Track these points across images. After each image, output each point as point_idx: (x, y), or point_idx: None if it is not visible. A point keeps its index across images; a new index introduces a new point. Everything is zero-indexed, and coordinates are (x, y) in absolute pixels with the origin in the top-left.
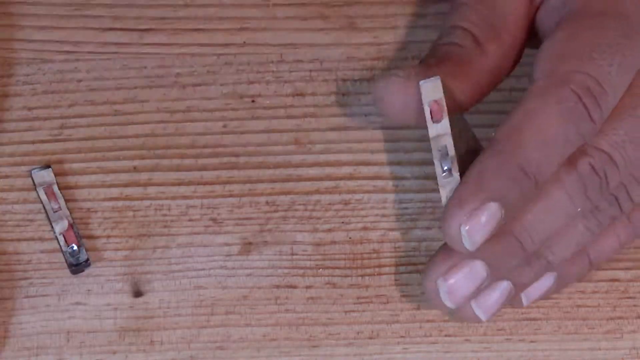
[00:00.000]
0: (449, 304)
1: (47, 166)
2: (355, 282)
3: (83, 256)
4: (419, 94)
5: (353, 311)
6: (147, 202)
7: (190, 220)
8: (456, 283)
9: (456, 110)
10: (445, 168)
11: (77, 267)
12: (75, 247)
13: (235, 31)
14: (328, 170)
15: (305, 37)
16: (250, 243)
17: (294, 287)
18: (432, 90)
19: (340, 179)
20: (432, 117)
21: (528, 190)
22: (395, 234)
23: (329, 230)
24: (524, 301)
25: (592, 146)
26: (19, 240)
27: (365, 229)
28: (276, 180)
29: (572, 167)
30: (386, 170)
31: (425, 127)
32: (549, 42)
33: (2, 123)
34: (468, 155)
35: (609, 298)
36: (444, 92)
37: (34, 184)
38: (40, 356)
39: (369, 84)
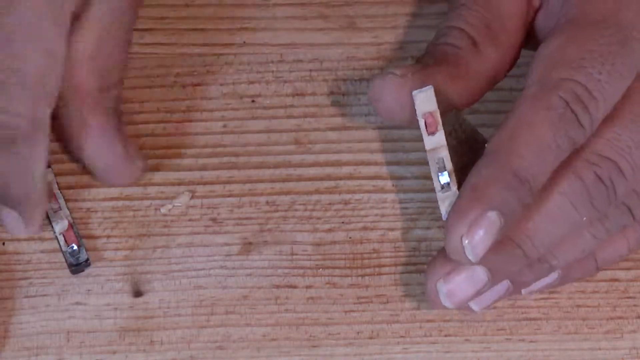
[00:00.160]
0: (448, 305)
1: (48, 166)
2: (355, 282)
3: (83, 256)
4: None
5: (353, 311)
6: (147, 202)
7: (190, 220)
8: (456, 286)
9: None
10: (443, 183)
11: (77, 267)
12: (75, 247)
13: (235, 31)
14: (328, 170)
15: (305, 37)
16: (250, 243)
17: (294, 287)
18: (425, 101)
19: (340, 179)
20: (426, 129)
21: (524, 197)
22: (395, 234)
23: (329, 230)
24: (523, 291)
25: (597, 154)
26: (19, 240)
27: (365, 229)
28: (276, 180)
29: (576, 176)
30: (386, 170)
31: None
32: (542, 48)
33: None
34: (469, 152)
35: (609, 298)
36: (438, 102)
37: None
38: (40, 356)
39: (369, 84)
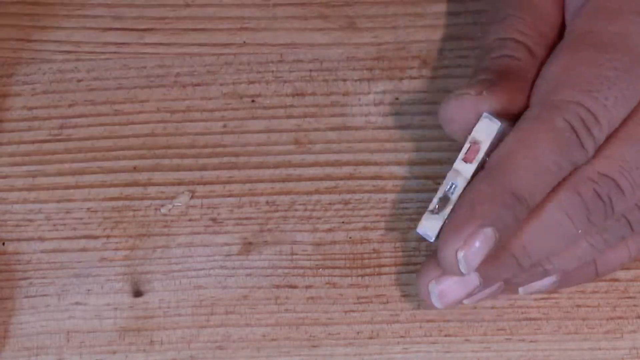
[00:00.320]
0: (439, 306)
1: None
2: (355, 282)
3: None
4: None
5: (353, 311)
6: (147, 202)
7: (190, 220)
8: (448, 288)
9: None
10: (439, 205)
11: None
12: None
13: (235, 31)
14: (328, 170)
15: (305, 37)
16: (250, 243)
17: (294, 287)
18: (485, 129)
19: (340, 179)
20: (465, 154)
21: (521, 215)
22: (395, 234)
23: (329, 230)
24: (520, 291)
25: (597, 172)
26: (19, 240)
27: (365, 229)
28: (276, 180)
29: (574, 191)
30: (386, 170)
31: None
32: (548, 66)
33: (2, 123)
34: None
35: (609, 298)
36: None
37: None
38: (40, 356)
39: (369, 84)
